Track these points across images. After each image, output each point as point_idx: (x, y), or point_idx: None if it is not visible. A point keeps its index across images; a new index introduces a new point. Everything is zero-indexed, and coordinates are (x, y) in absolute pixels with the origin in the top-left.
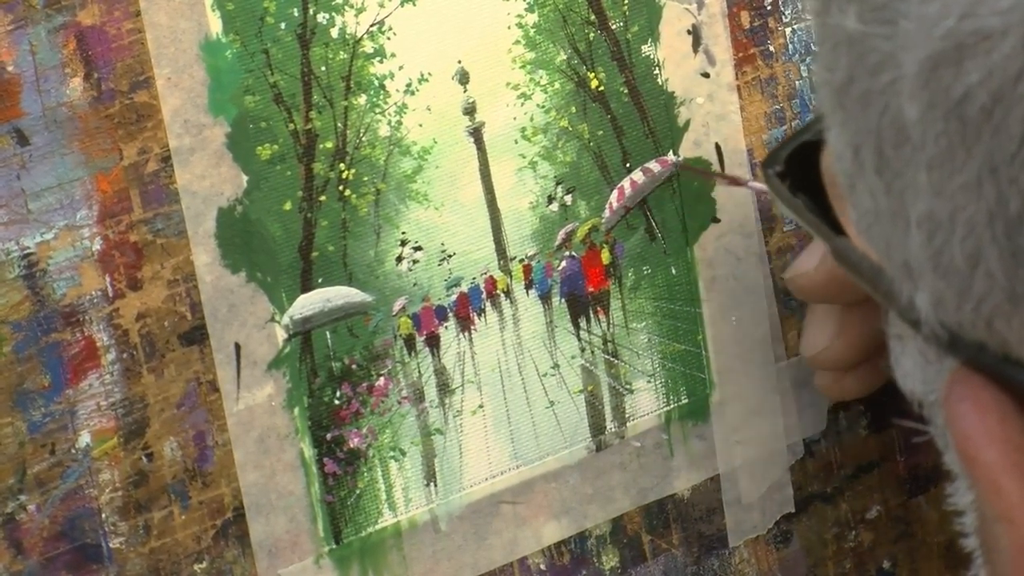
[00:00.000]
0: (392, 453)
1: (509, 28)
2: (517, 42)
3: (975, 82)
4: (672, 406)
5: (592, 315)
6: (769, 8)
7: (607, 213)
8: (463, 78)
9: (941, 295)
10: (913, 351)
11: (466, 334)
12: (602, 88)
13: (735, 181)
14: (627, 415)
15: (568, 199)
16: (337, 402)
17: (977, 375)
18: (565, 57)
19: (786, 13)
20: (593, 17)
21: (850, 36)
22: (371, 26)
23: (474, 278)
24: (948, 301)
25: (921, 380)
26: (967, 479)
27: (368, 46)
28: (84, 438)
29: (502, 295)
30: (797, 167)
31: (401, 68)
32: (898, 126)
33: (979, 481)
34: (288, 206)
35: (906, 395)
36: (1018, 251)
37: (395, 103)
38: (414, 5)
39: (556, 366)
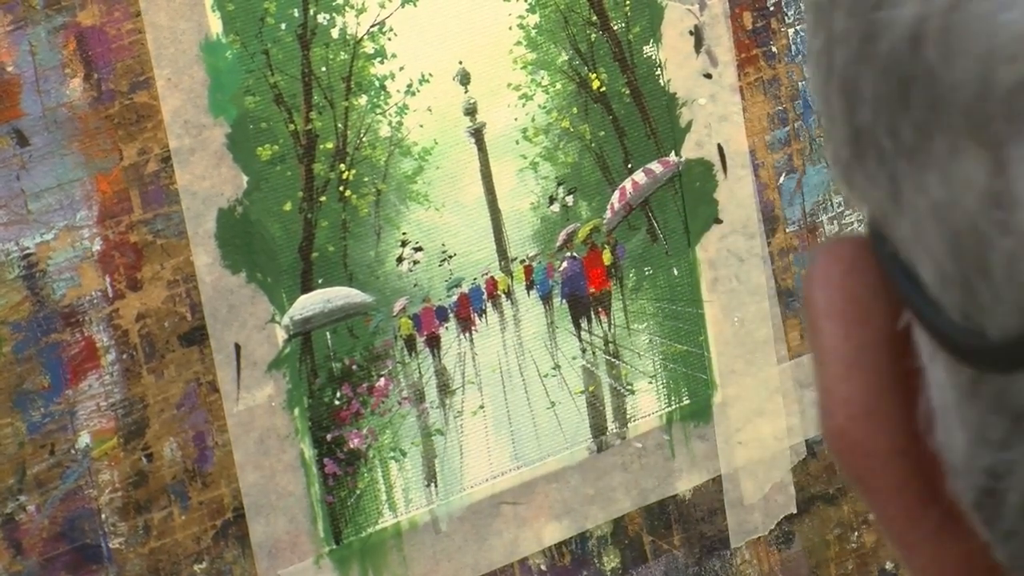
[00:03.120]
0: (392, 454)
1: (510, 29)
2: (518, 43)
3: None
4: (674, 407)
5: (593, 316)
6: (772, 9)
7: (608, 214)
8: (464, 79)
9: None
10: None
11: (467, 335)
12: (604, 89)
13: None
14: (628, 416)
15: (569, 200)
16: (337, 403)
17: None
18: (567, 58)
19: (789, 14)
20: (595, 18)
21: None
22: (372, 27)
23: (475, 279)
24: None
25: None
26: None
27: (369, 47)
28: (84, 438)
29: (503, 296)
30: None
31: (402, 69)
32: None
33: (810, 334)
34: (288, 207)
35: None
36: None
37: (396, 104)
38: (415, 6)
39: (557, 367)
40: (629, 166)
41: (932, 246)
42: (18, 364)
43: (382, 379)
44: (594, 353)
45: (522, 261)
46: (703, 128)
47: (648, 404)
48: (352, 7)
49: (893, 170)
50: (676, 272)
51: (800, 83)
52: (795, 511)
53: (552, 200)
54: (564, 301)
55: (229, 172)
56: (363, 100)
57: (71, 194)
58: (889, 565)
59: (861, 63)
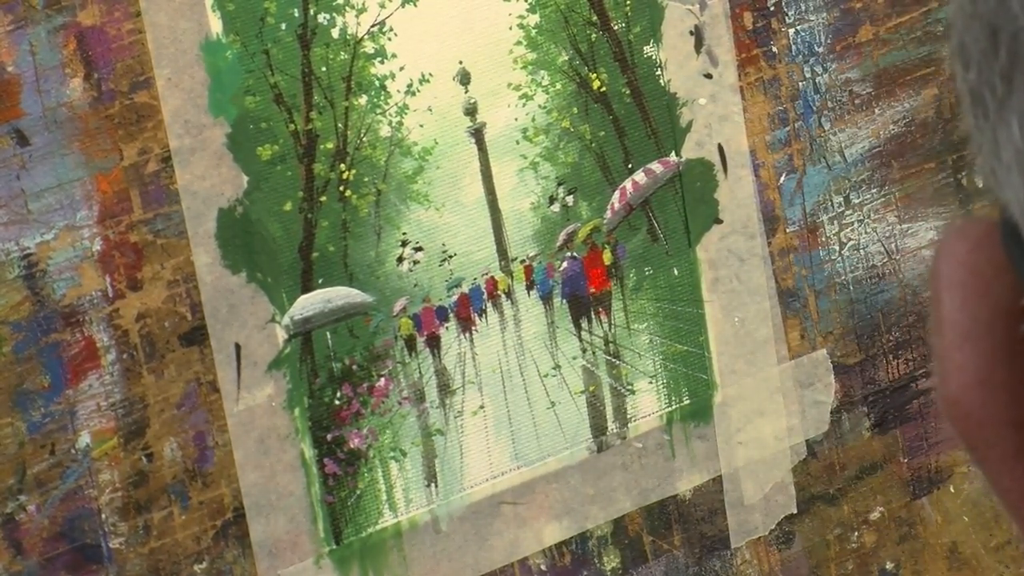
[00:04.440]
0: (393, 454)
1: (511, 29)
2: (519, 43)
3: None
4: (674, 407)
5: (593, 316)
6: (772, 9)
7: (609, 214)
8: (464, 79)
9: None
10: None
11: (467, 335)
12: (604, 89)
13: None
14: (629, 416)
15: (570, 200)
16: (337, 403)
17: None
18: (567, 58)
19: (789, 14)
20: (595, 18)
21: None
22: (372, 27)
23: (475, 279)
24: None
25: None
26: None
27: (369, 47)
28: (84, 438)
29: (503, 296)
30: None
31: (402, 69)
32: None
33: (934, 301)
34: (289, 207)
35: None
36: None
37: (396, 104)
38: (415, 6)
39: (557, 367)
40: (629, 166)
41: (1019, 195)
42: (18, 364)
43: (382, 379)
44: (594, 353)
45: (522, 261)
46: (703, 128)
47: (648, 404)
48: (352, 7)
49: (994, 124)
50: (676, 272)
51: (800, 83)
52: (795, 511)
53: (552, 200)
54: (564, 301)
55: (229, 172)
56: (363, 100)
57: (71, 194)
58: (889, 565)
59: (969, 25)
